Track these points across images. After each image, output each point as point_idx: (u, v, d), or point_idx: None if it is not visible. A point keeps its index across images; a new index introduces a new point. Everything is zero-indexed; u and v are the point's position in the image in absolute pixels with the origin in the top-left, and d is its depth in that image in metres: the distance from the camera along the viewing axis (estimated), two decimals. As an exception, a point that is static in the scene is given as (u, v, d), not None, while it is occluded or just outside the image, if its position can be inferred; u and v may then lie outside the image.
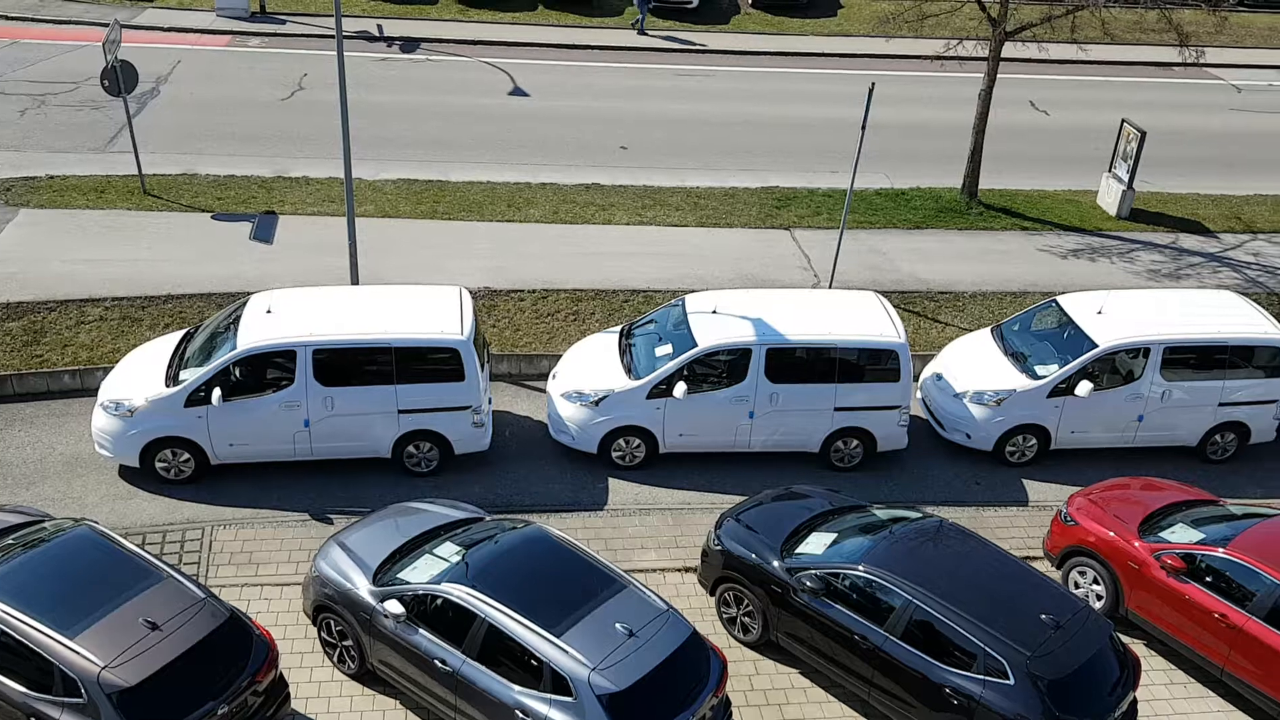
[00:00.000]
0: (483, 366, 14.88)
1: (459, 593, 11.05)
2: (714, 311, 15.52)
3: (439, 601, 11.15)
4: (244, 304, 14.96)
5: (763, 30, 32.52)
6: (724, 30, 32.31)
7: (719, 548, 13.00)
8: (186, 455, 14.40)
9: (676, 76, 28.94)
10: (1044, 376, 15.82)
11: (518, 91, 27.04)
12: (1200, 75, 30.16)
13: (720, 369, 15.22)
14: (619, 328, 16.66)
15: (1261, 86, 31.07)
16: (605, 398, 15.17)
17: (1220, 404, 16.13)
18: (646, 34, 31.34)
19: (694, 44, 31.04)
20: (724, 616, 13.11)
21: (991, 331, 17.19)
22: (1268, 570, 12.08)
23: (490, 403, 15.30)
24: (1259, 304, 17.58)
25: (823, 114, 26.25)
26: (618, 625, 10.76)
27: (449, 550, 11.82)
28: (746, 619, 12.87)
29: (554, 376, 16.08)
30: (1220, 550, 12.47)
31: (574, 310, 18.40)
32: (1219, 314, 16.50)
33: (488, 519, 12.84)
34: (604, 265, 19.58)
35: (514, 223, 20.88)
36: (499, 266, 19.27)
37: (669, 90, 28.01)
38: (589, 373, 15.63)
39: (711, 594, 13.26)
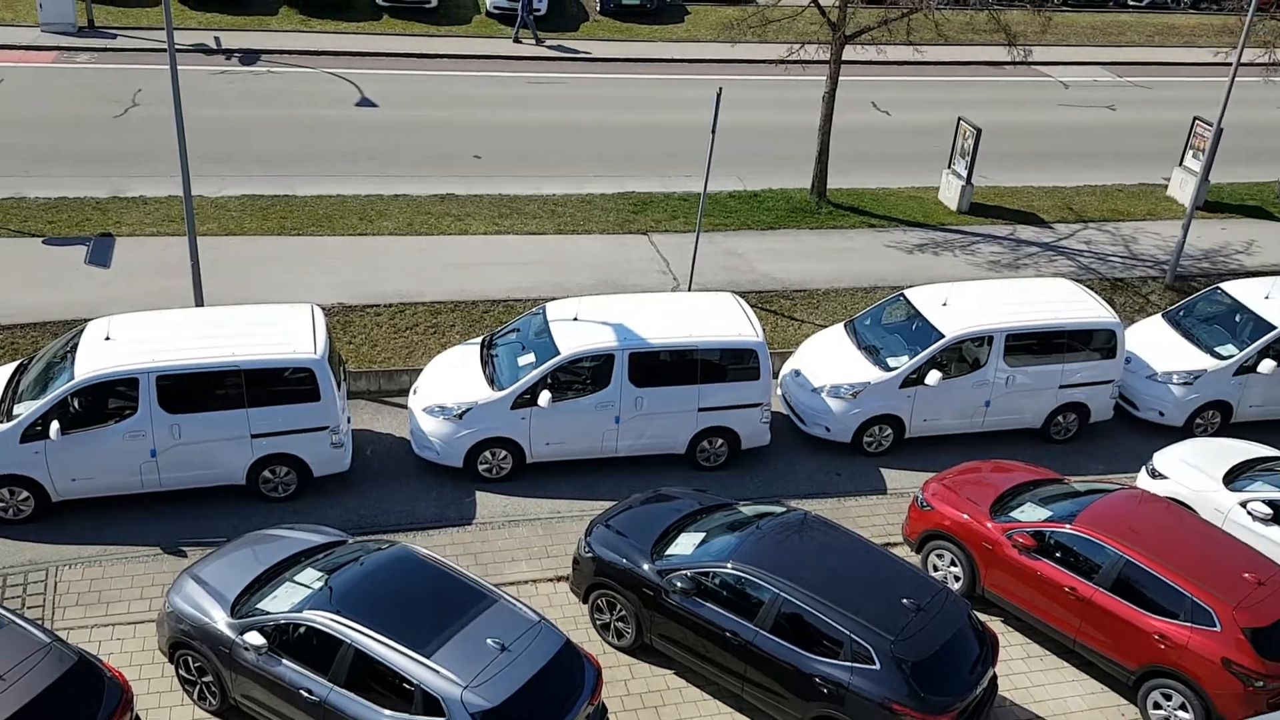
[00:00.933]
0: (339, 385, 14.52)
1: (322, 619, 10.74)
2: (575, 319, 15.50)
3: (301, 630, 10.82)
4: (80, 331, 14.31)
5: (612, 37, 32.66)
6: (574, 37, 32.36)
7: (590, 554, 12.98)
8: (25, 493, 13.69)
9: (528, 84, 28.85)
10: (896, 368, 16.33)
11: (365, 102, 26.51)
12: (1030, 73, 31.62)
13: (584, 376, 15.21)
14: (480, 339, 16.50)
15: (1087, 83, 32.76)
16: (469, 410, 14.98)
17: (1061, 386, 16.93)
18: (521, 42, 31.30)
19: (544, 52, 31.00)
20: (598, 623, 13.09)
21: (845, 327, 17.66)
22: (1111, 543, 12.72)
23: (349, 422, 14.94)
24: (1092, 289, 18.52)
25: (674, 119, 26.54)
26: (489, 641, 10.63)
27: (310, 576, 11.48)
28: (620, 624, 12.88)
29: (415, 391, 15.80)
30: (1067, 526, 13.08)
31: (433, 323, 18.12)
32: (1056, 301, 17.31)
33: (351, 541, 12.54)
34: (462, 276, 19.35)
35: (367, 236, 20.45)
36: (353, 281, 18.83)
37: (521, 98, 27.89)
38: (451, 386, 15.41)
39: (585, 602, 13.23)
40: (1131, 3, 40.40)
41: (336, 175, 22.56)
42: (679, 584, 12.18)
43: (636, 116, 27.32)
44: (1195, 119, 24.35)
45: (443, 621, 10.80)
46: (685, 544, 12.79)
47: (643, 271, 20.26)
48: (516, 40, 31.37)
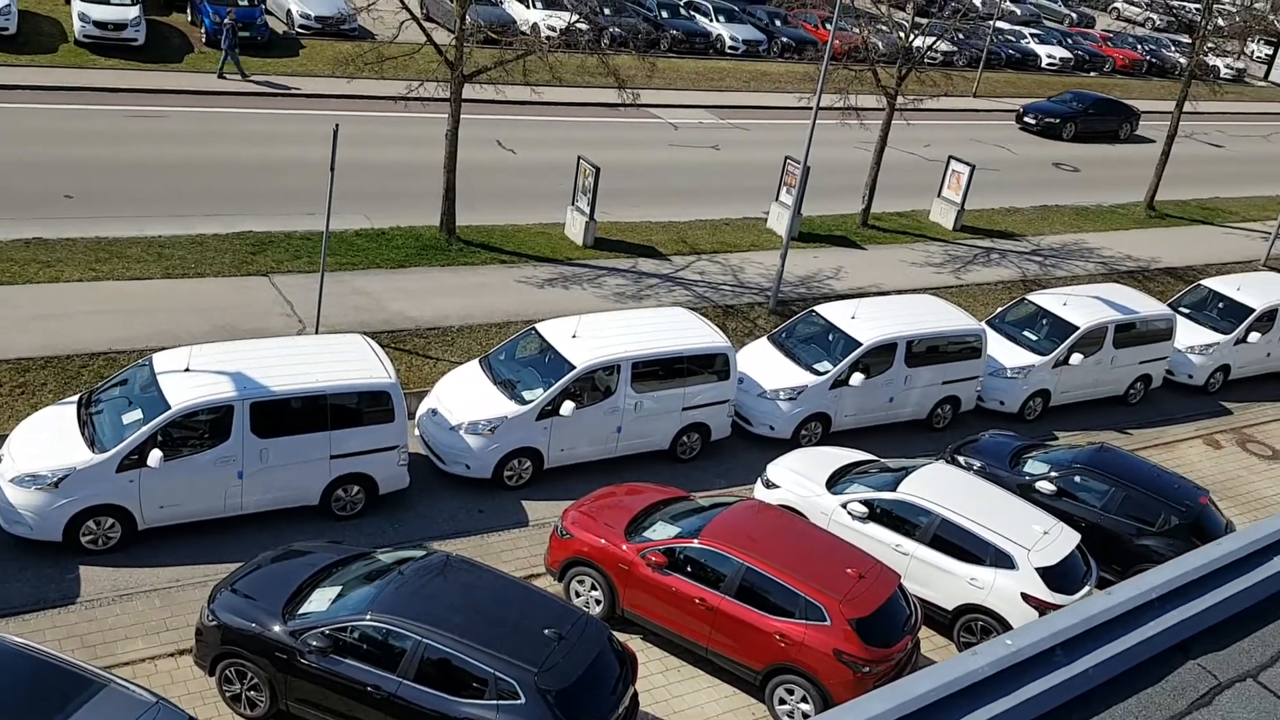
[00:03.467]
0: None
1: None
2: (187, 369, 14.43)
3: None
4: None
5: (211, 69, 30.95)
6: (177, 69, 30.39)
7: (214, 623, 12.06)
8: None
9: (126, 118, 26.69)
10: (531, 401, 16.59)
11: (-72, 136, 23.43)
12: (643, 115, 33.49)
13: (201, 430, 14.20)
14: (76, 397, 14.95)
15: (693, 124, 35.15)
16: (66, 477, 13.50)
17: (684, 408, 17.94)
18: (225, 78, 29.13)
19: (151, 83, 28.85)
20: (227, 695, 12.18)
21: (480, 363, 17.73)
22: (732, 552, 13.58)
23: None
24: (707, 316, 19.81)
25: (291, 155, 25.57)
26: None
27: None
28: (253, 693, 12.05)
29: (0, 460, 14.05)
30: (694, 541, 13.81)
31: (20, 383, 16.22)
32: (676, 328, 18.35)
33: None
34: (54, 328, 17.47)
35: (-66, 288, 18.01)
36: (-83, 340, 16.50)
37: (117, 133, 25.76)
38: (43, 451, 13.83)
39: (211, 674, 12.26)
40: (729, 50, 43.90)
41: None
42: (314, 643, 11.59)
43: (250, 152, 26.04)
44: (786, 158, 26.77)
45: (39, 715, 9.61)
46: (320, 600, 12.21)
47: (264, 315, 19.26)
48: (221, 76, 29.41)
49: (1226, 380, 24.28)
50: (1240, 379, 24.53)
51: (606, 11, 36.10)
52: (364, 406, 15.18)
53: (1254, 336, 24.06)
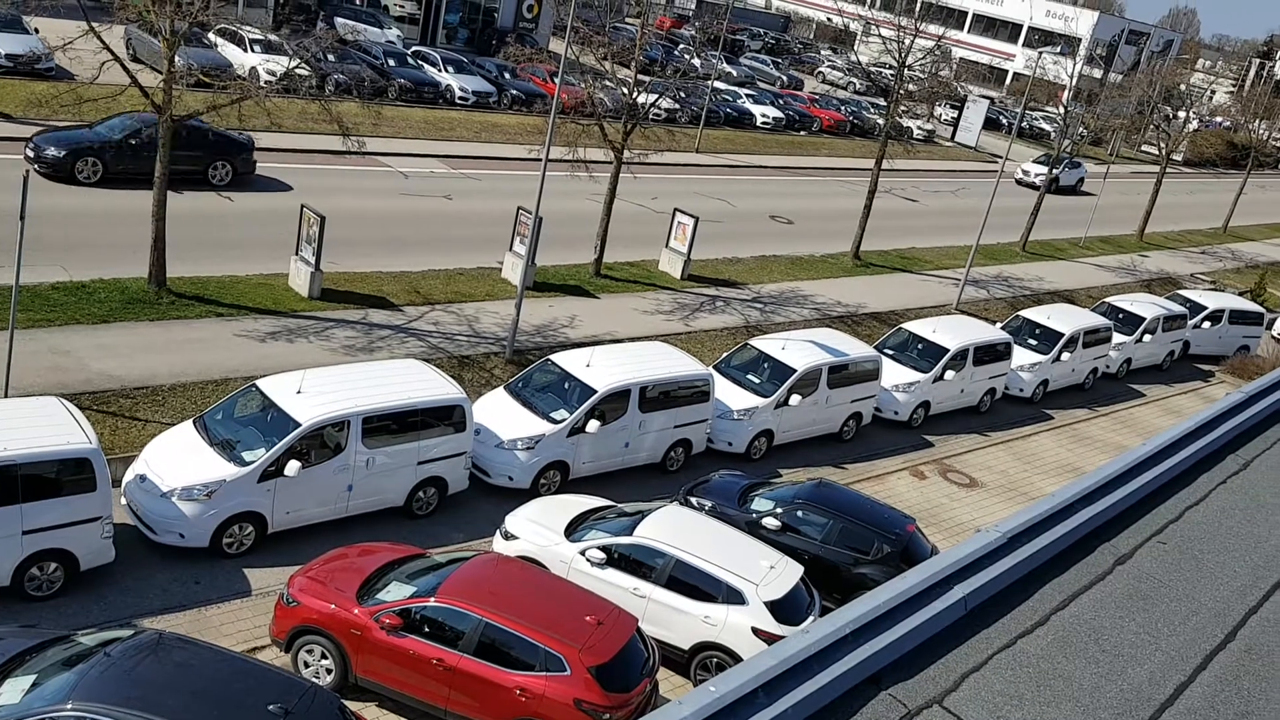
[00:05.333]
0: None
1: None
2: None
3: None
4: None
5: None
6: None
7: (-124, 731, 10.56)
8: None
9: None
10: (253, 462, 15.71)
11: None
12: (372, 163, 32.84)
13: None
14: None
15: (425, 173, 34.81)
16: None
17: (419, 463, 17.52)
18: None
19: None
20: (-107, 814, 10.67)
21: (195, 423, 16.64)
22: (471, 608, 13.30)
23: None
24: (442, 368, 19.50)
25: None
26: None
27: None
28: (-75, 808, 10.63)
29: None
30: (430, 599, 13.43)
31: None
32: (409, 381, 17.92)
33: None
34: None
35: None
36: None
37: None
38: None
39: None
40: (459, 101, 43.90)
41: None
42: (1, 743, 10.38)
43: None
44: (519, 208, 26.95)
45: None
46: (11, 692, 10.94)
47: (-58, 379, 17.30)
48: None
49: (927, 415, 26.33)
50: (939, 414, 26.68)
51: (331, 58, 35.23)
52: (61, 475, 13.87)
53: (949, 374, 26.24)
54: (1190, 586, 6.49)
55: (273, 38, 37.42)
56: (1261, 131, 65.79)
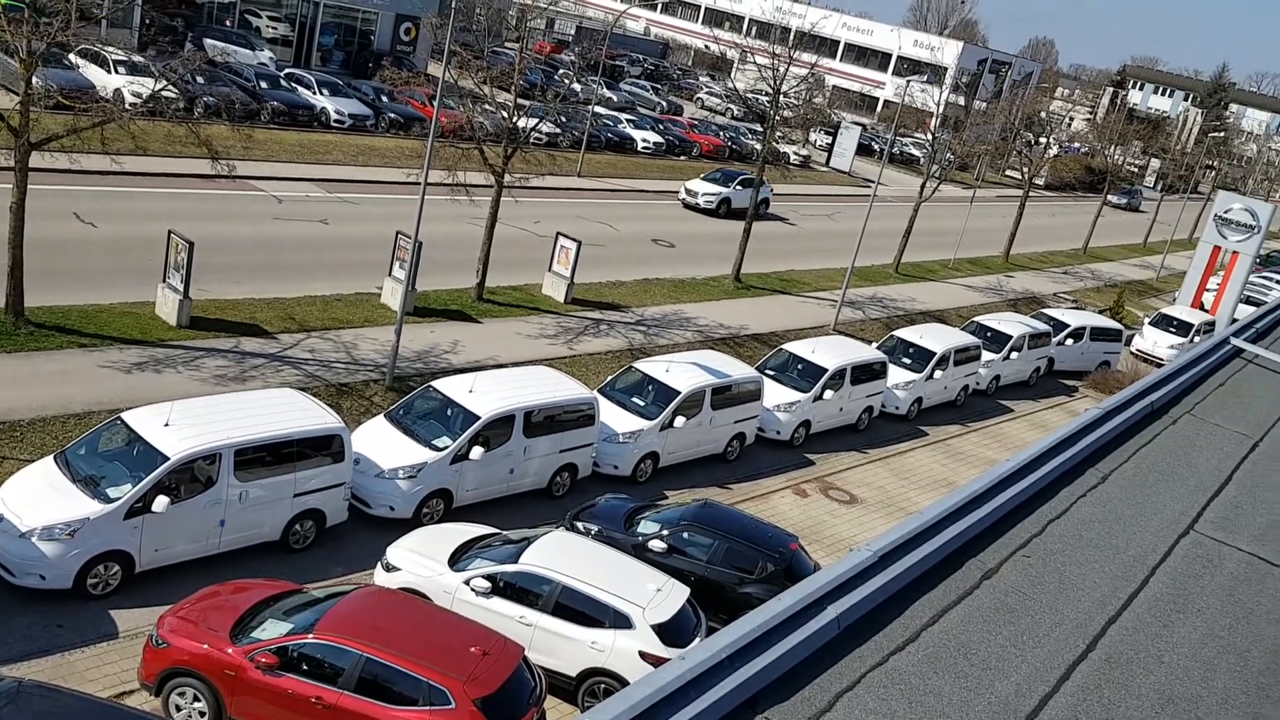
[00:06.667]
0: None
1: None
2: None
3: None
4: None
5: None
6: None
7: None
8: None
9: None
10: (117, 499, 15.08)
11: None
12: (244, 187, 31.99)
13: None
14: None
15: (300, 197, 34.06)
16: None
17: (295, 495, 17.05)
18: None
19: None
20: None
21: (55, 459, 15.90)
22: (350, 644, 12.97)
23: None
24: (319, 396, 19.05)
25: None
26: None
27: None
28: None
29: None
30: (309, 636, 13.06)
31: None
32: (284, 411, 17.44)
33: None
34: None
35: None
36: None
37: None
38: None
39: None
40: (334, 124, 43.15)
41: None
42: None
43: None
44: (398, 233, 26.58)
45: None
46: None
47: None
48: None
49: (808, 434, 26.82)
50: (820, 432, 27.21)
51: (199, 80, 34.26)
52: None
53: (829, 394, 26.80)
54: (1054, 599, 6.74)
55: (138, 59, 36.24)
56: (1116, 156, 69.34)
